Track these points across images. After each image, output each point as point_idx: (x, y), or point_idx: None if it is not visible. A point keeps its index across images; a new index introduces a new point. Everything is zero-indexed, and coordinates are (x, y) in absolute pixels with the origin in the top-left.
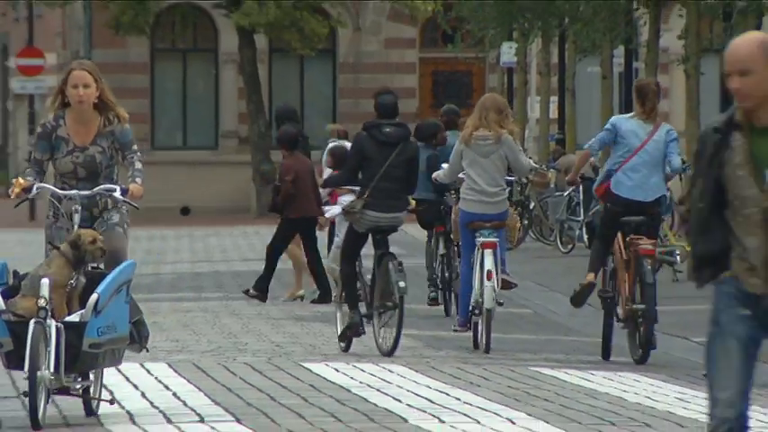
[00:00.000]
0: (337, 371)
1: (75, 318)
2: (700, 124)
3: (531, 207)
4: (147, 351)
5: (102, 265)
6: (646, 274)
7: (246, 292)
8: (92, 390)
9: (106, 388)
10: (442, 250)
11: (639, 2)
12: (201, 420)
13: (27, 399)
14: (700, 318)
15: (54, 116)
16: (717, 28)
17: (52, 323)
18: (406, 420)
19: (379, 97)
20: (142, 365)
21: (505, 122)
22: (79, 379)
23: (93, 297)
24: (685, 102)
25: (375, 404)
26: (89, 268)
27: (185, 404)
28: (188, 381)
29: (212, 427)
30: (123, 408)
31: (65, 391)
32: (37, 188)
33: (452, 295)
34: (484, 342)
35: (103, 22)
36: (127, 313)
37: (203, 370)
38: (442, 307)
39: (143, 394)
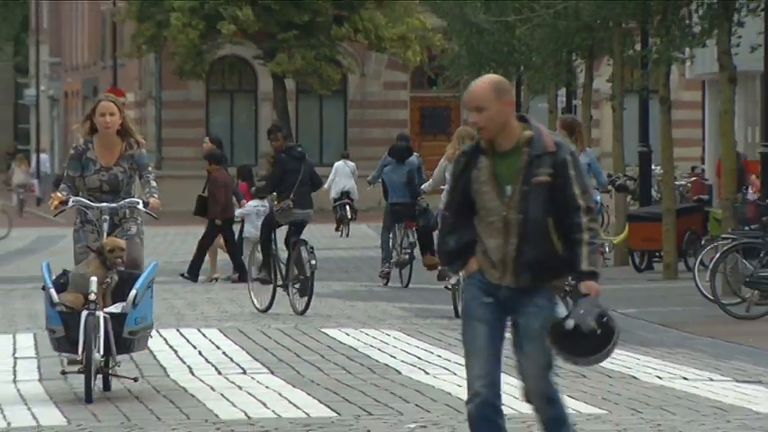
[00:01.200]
0: (347, 335)
1: (117, 309)
2: (623, 147)
3: None
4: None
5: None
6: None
7: (182, 275)
8: (117, 369)
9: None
10: (411, 239)
11: (577, 54)
12: (244, 372)
13: (66, 378)
14: (624, 294)
15: (84, 141)
16: (636, 74)
17: (101, 314)
18: (399, 372)
19: (285, 130)
20: (199, 330)
21: None
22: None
23: (133, 292)
24: (612, 129)
25: (376, 360)
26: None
27: (232, 360)
28: (234, 342)
29: (252, 377)
30: (185, 363)
31: (99, 370)
32: (72, 201)
33: (411, 271)
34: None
35: (170, 69)
36: (152, 306)
37: (245, 334)
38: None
39: (200, 352)
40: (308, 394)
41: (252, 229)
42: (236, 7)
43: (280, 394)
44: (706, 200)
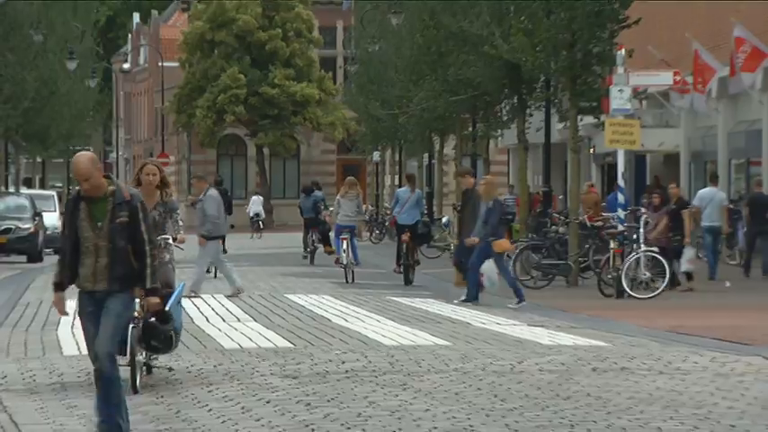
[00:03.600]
0: (300, 298)
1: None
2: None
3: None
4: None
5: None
6: (409, 250)
7: None
8: (156, 361)
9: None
10: (315, 237)
11: (435, 133)
12: (238, 320)
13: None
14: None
15: None
16: (469, 145)
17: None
18: (330, 320)
19: (217, 176)
20: (212, 296)
21: (357, 190)
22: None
23: (166, 308)
24: (453, 176)
25: (316, 313)
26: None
27: (231, 313)
28: (233, 303)
29: (244, 323)
30: (203, 314)
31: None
32: None
33: (313, 256)
34: (352, 279)
35: (196, 142)
36: (182, 315)
37: (240, 298)
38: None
39: (212, 308)
40: (277, 334)
41: None
42: (234, 106)
43: (260, 333)
44: (511, 218)
